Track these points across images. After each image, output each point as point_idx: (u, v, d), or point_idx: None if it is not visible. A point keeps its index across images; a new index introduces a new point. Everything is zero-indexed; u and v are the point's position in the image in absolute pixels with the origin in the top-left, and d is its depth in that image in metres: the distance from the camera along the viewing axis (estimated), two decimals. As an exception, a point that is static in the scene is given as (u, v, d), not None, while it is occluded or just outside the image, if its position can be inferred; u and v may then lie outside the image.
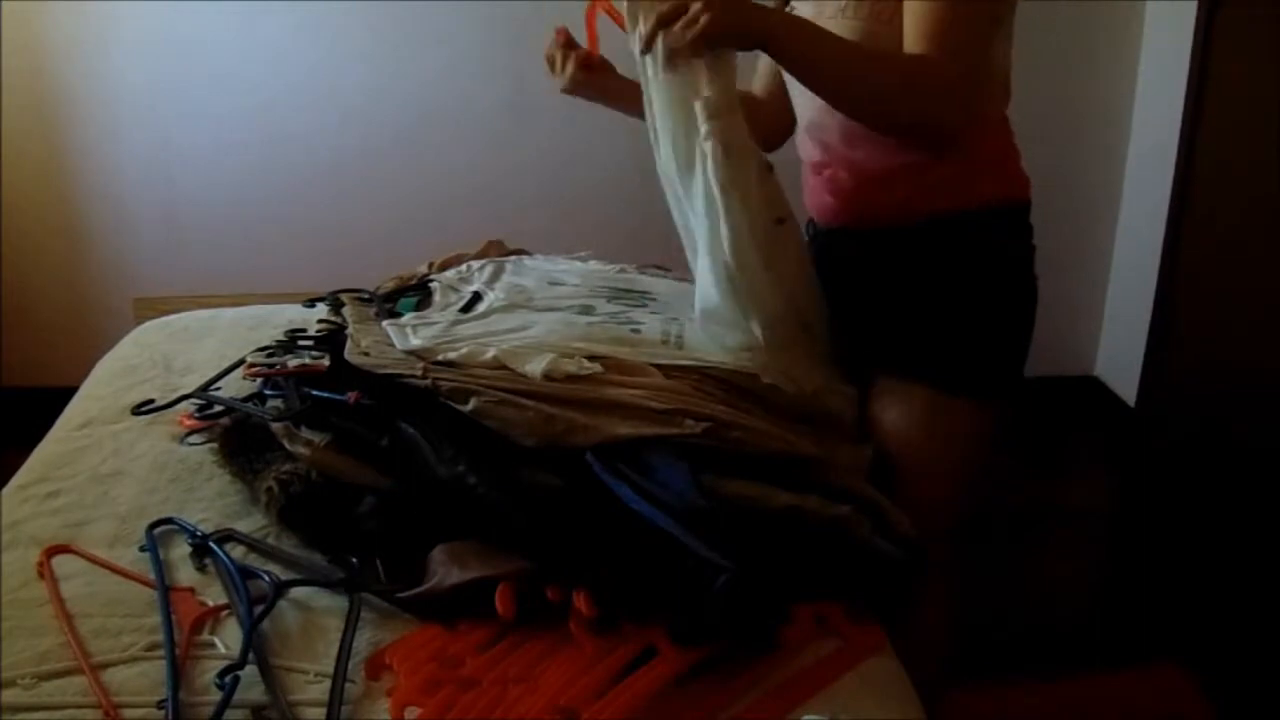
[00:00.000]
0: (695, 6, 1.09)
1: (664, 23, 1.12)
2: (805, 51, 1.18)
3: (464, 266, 1.77)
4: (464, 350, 1.30)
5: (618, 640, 1.01)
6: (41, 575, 1.15)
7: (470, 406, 1.18)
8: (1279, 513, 2.26)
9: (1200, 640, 2.06)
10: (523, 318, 1.48)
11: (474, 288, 1.64)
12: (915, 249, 1.34)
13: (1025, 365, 1.39)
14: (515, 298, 1.58)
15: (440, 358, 1.30)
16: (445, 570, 1.08)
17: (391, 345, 1.38)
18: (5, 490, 1.35)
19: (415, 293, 1.66)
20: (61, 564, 1.17)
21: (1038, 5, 2.68)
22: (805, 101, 1.37)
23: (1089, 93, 2.79)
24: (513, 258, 1.83)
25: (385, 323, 1.46)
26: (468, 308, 1.55)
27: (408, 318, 1.50)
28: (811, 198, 1.46)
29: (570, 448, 1.14)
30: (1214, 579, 2.26)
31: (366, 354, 1.35)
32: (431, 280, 1.69)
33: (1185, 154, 2.57)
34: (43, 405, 1.66)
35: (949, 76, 1.17)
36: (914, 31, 1.18)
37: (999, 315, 1.35)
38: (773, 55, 1.19)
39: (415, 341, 1.36)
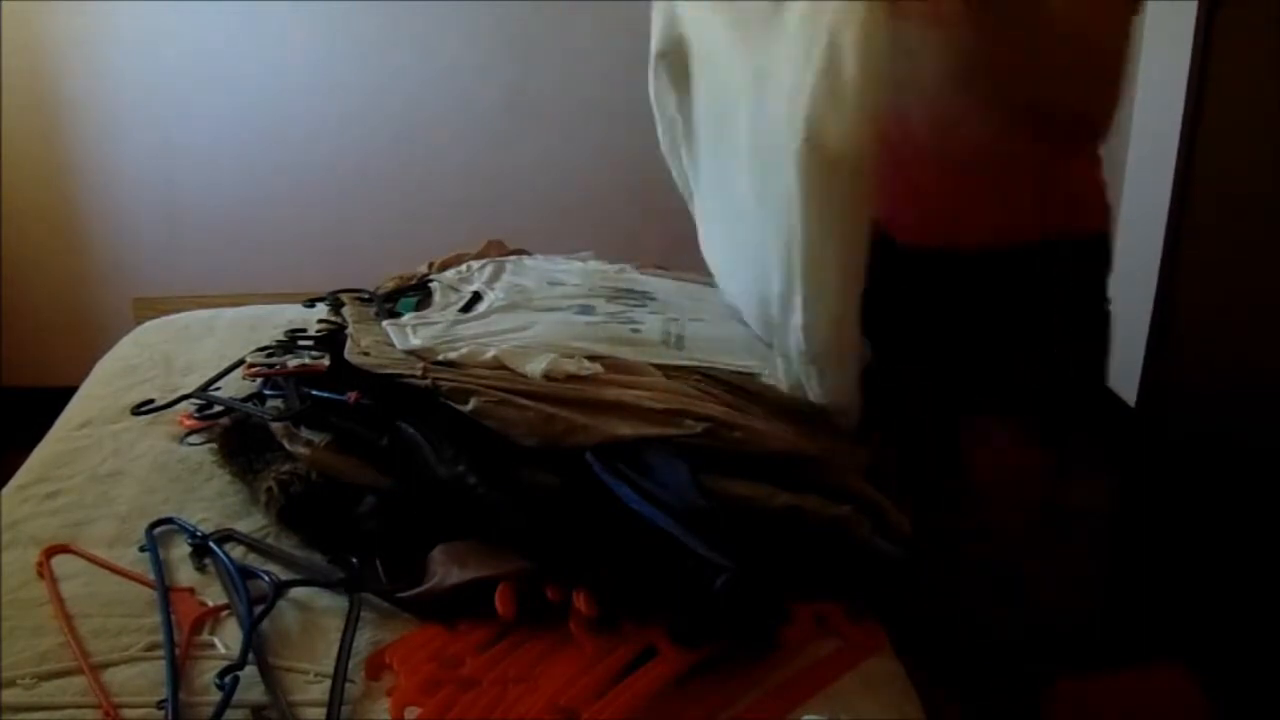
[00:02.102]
0: None
1: None
2: None
3: (464, 266, 1.77)
4: (464, 350, 1.30)
5: (618, 640, 1.01)
6: (41, 575, 1.15)
7: (470, 406, 1.18)
8: (1279, 513, 2.26)
9: (1200, 640, 2.06)
10: (523, 318, 1.48)
11: (474, 287, 1.64)
12: (991, 278, 1.28)
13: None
14: (515, 298, 1.58)
15: (440, 358, 1.30)
16: (445, 570, 1.08)
17: (391, 345, 1.38)
18: (5, 490, 1.35)
19: (415, 293, 1.67)
20: (61, 564, 1.17)
21: None
22: None
23: (1089, 93, 2.79)
24: (512, 258, 1.84)
25: (385, 323, 1.46)
26: (468, 308, 1.55)
27: (408, 318, 1.50)
28: (888, 202, 1.28)
29: (570, 448, 1.14)
30: (1214, 579, 2.26)
31: (366, 354, 1.35)
32: (431, 280, 1.69)
33: (1185, 154, 2.57)
34: (43, 405, 1.66)
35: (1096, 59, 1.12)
36: None
37: (1073, 348, 1.31)
38: None
39: (415, 341, 1.36)
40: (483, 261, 1.77)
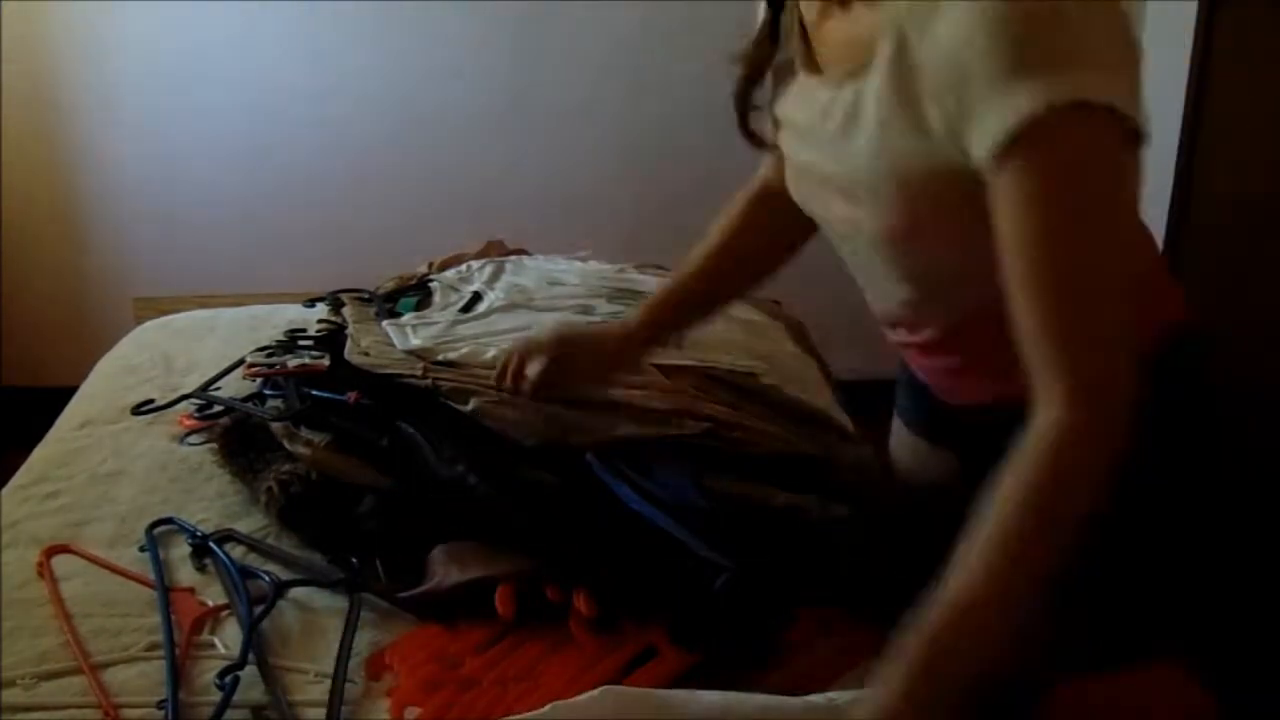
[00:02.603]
0: None
1: None
2: (1006, 608, 0.85)
3: (464, 266, 1.77)
4: (464, 350, 1.30)
5: (618, 640, 1.01)
6: (41, 575, 1.15)
7: (470, 406, 1.18)
8: (1279, 513, 2.26)
9: (1200, 640, 2.06)
10: (523, 318, 1.49)
11: (474, 287, 1.64)
12: None
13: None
14: (515, 297, 1.58)
15: (440, 357, 1.30)
16: (445, 570, 1.08)
17: (392, 345, 1.38)
18: (5, 490, 1.35)
19: (415, 292, 1.67)
20: (61, 564, 1.17)
21: None
22: (879, 294, 1.01)
23: (1089, 93, 2.78)
24: (512, 258, 1.84)
25: (385, 323, 1.46)
26: (468, 307, 1.55)
27: (407, 318, 1.50)
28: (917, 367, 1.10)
29: (571, 448, 1.14)
30: (1214, 579, 2.25)
31: (366, 354, 1.36)
32: (431, 280, 1.69)
33: (1185, 154, 2.57)
34: (43, 405, 1.66)
35: (1112, 407, 0.81)
36: (1032, 326, 0.78)
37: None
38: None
39: (415, 341, 1.36)
40: (482, 261, 1.77)
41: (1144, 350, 0.83)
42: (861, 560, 1.12)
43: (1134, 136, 0.76)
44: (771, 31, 0.97)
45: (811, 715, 0.89)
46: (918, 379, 1.10)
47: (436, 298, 1.61)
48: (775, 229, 1.14)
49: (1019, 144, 0.73)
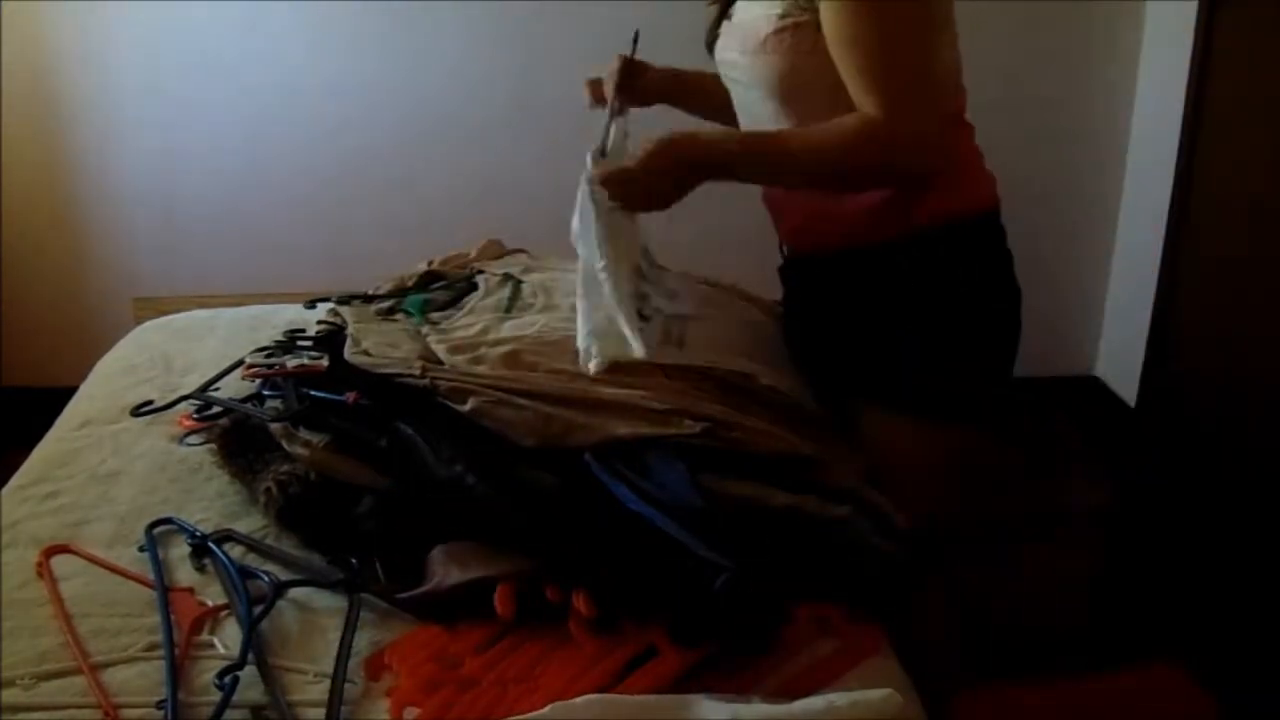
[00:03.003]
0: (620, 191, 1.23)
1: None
2: (750, 176, 1.27)
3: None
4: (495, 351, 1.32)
5: (618, 640, 1.01)
6: (41, 575, 1.15)
7: (468, 406, 1.18)
8: (1279, 513, 2.26)
9: (1200, 640, 2.06)
10: (528, 317, 1.49)
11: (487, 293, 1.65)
12: (879, 270, 1.29)
13: (1013, 369, 1.35)
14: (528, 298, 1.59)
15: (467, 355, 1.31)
16: (445, 571, 1.08)
17: (392, 345, 1.38)
18: (5, 490, 1.35)
19: (416, 292, 1.67)
20: (61, 564, 1.17)
21: (1038, 5, 2.68)
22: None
23: (1089, 93, 2.78)
24: (512, 257, 1.84)
25: (425, 330, 1.46)
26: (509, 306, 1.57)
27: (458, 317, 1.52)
28: (773, 220, 1.44)
29: (569, 448, 1.14)
30: (1213, 579, 2.26)
31: (367, 353, 1.36)
32: (440, 277, 1.71)
33: (1185, 154, 2.57)
34: (43, 405, 1.66)
35: (900, 132, 1.13)
36: (854, 84, 1.14)
37: (977, 331, 1.30)
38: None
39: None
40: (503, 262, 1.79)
41: (961, 217, 1.26)
42: (861, 560, 1.12)
43: None
44: None
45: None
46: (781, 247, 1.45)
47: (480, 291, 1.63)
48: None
49: None
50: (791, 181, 1.28)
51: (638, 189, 1.22)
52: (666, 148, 1.19)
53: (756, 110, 1.29)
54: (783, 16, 1.18)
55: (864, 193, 1.25)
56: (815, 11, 1.15)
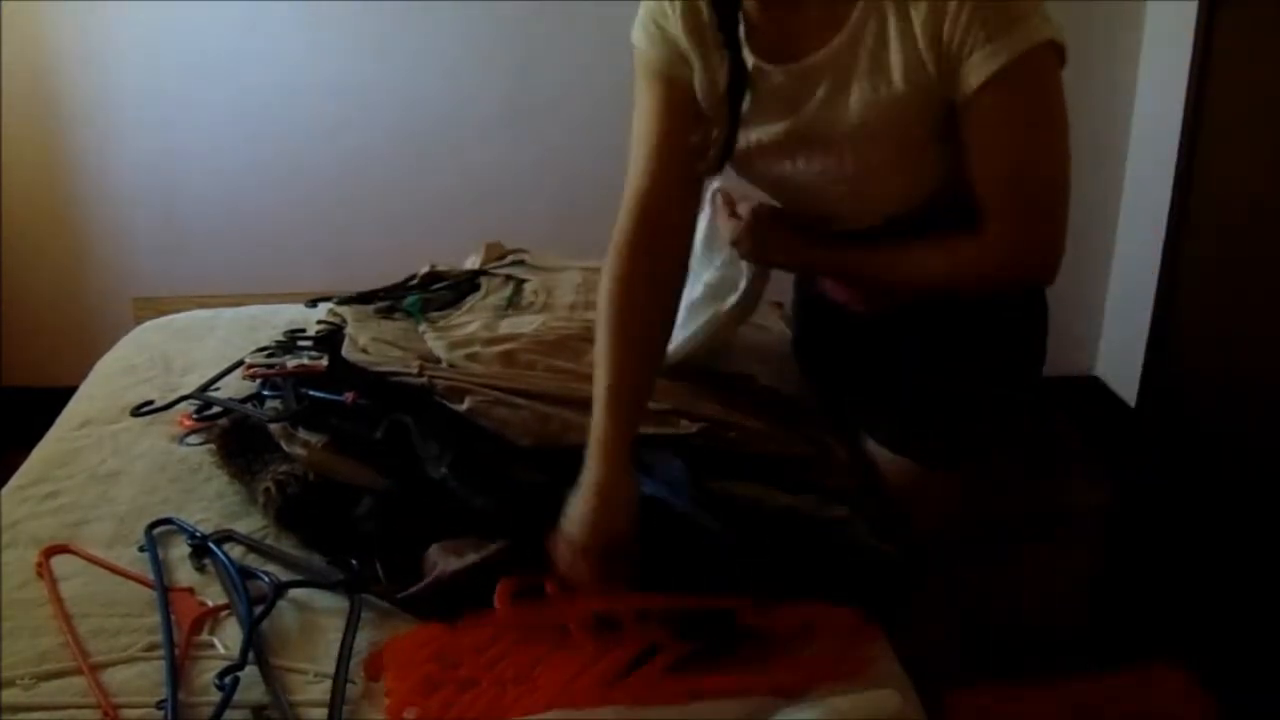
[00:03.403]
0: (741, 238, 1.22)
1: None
2: (834, 262, 1.20)
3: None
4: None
5: (617, 640, 1.01)
6: (41, 575, 1.15)
7: (465, 406, 1.18)
8: (1279, 513, 2.26)
9: (1200, 640, 2.06)
10: (527, 317, 1.49)
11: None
12: (927, 326, 1.23)
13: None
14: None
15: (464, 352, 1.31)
16: (445, 562, 1.08)
17: (389, 344, 1.39)
18: (5, 490, 1.35)
19: (417, 292, 1.67)
20: (60, 564, 1.17)
21: (1038, 5, 2.68)
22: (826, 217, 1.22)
23: (1089, 93, 2.78)
24: (515, 256, 1.84)
25: (422, 328, 1.46)
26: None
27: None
28: (824, 284, 1.34)
29: (566, 447, 1.14)
30: (1213, 579, 2.26)
31: (365, 351, 1.36)
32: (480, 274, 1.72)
33: (1185, 154, 2.57)
34: (43, 405, 1.66)
35: (1034, 251, 1.08)
36: (990, 183, 1.04)
37: (1002, 392, 1.27)
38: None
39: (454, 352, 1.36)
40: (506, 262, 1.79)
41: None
42: (860, 560, 1.12)
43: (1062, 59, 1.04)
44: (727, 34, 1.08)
45: None
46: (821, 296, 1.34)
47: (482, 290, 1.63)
48: (657, 275, 1.17)
49: (1005, 75, 0.98)
50: (900, 285, 1.18)
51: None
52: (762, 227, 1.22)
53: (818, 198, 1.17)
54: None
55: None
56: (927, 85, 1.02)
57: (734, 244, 1.25)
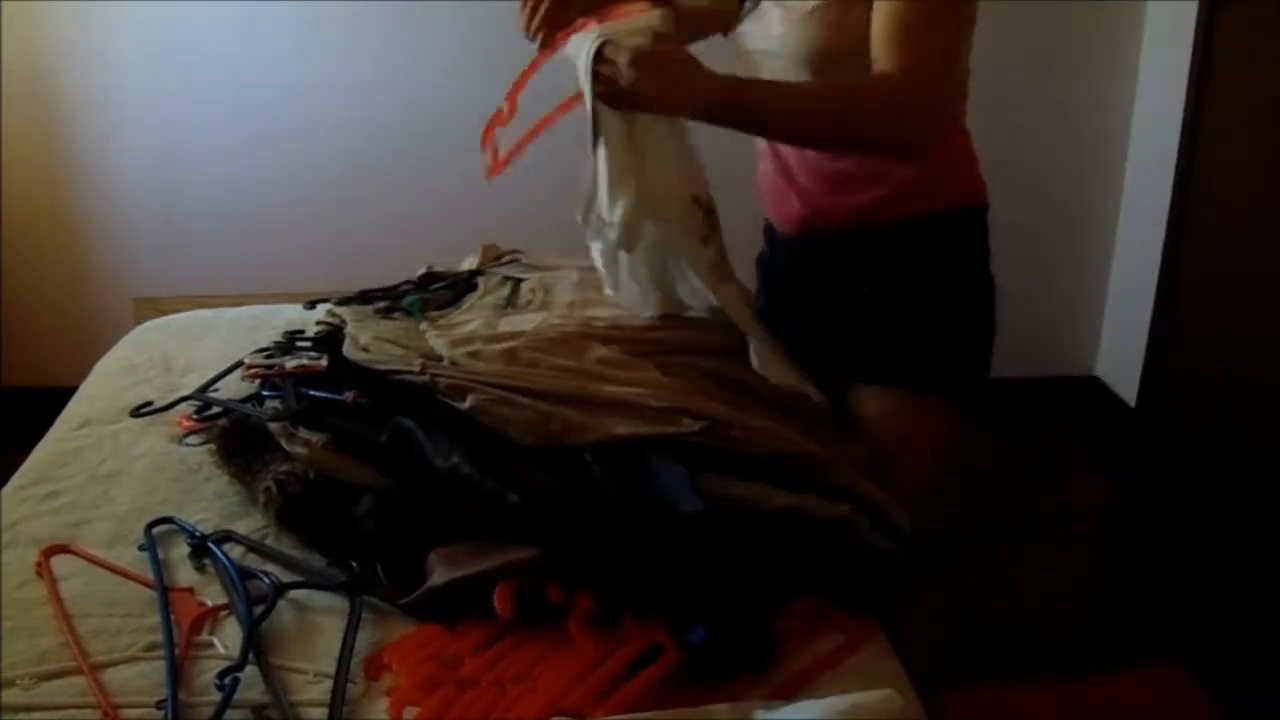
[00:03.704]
0: (627, 80, 1.14)
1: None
2: (751, 118, 1.21)
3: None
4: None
5: (618, 640, 1.01)
6: (41, 575, 1.14)
7: (467, 404, 1.17)
8: (1279, 513, 2.26)
9: (1200, 640, 2.06)
10: (525, 315, 1.50)
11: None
12: (875, 254, 1.36)
13: (991, 364, 1.41)
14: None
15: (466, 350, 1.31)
16: (439, 571, 1.08)
17: (390, 342, 1.38)
18: (5, 490, 1.35)
19: (416, 292, 1.67)
20: (60, 564, 1.17)
21: (1038, 5, 2.68)
22: None
23: (1089, 93, 2.78)
24: (510, 256, 1.84)
25: (423, 327, 1.46)
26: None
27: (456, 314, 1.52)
28: (771, 204, 1.47)
29: (568, 447, 1.14)
30: (1214, 579, 2.26)
31: (365, 350, 1.36)
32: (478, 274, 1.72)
33: (1185, 154, 2.57)
34: (43, 405, 1.66)
35: (914, 98, 1.17)
36: (883, 36, 1.17)
37: (961, 316, 1.37)
38: (716, 123, 1.19)
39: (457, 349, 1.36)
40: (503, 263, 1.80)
41: (962, 206, 1.34)
42: (860, 559, 1.12)
43: None
44: None
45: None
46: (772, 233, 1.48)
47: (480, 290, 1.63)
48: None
49: None
50: (793, 127, 1.25)
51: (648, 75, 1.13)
52: (677, 56, 1.16)
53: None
54: None
55: (873, 164, 1.30)
56: None
57: (631, 86, 1.14)
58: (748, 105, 1.18)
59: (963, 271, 1.37)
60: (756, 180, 1.48)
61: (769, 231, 1.51)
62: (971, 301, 1.38)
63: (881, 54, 1.17)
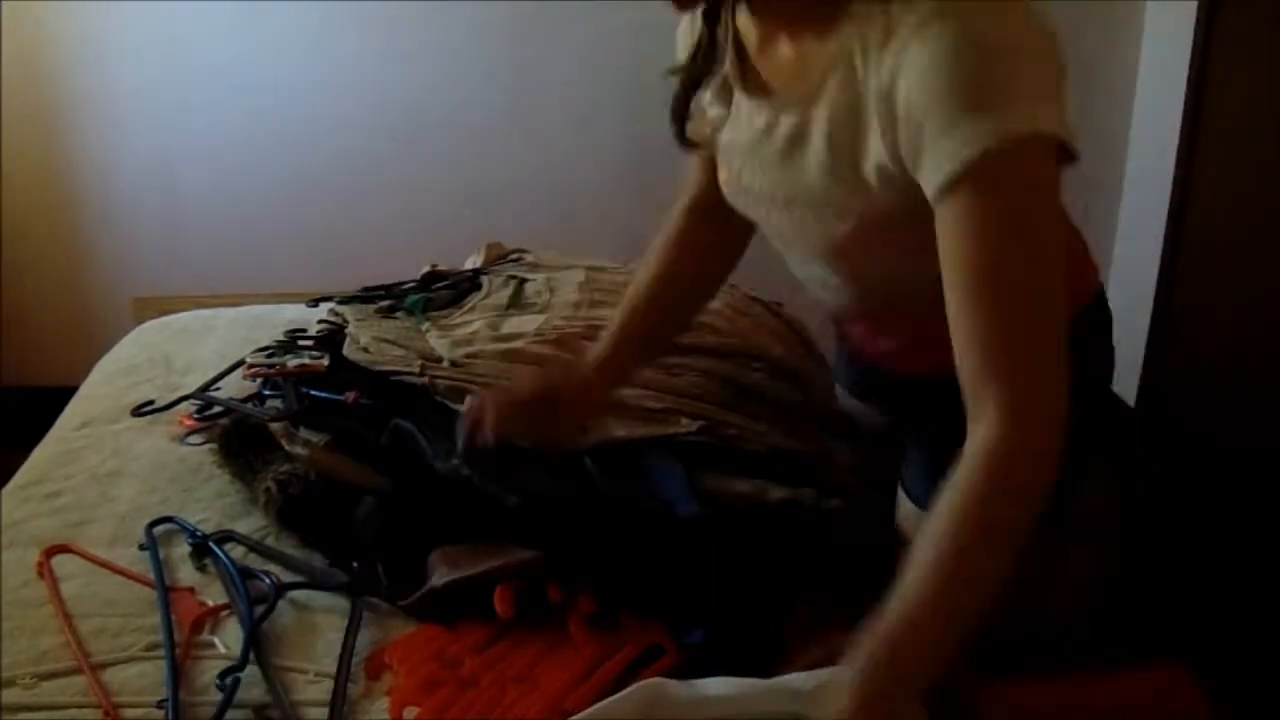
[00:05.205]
0: None
1: None
2: (952, 614, 0.89)
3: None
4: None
5: (618, 641, 1.01)
6: (41, 575, 1.15)
7: (466, 405, 1.18)
8: (1279, 513, 2.26)
9: (1200, 640, 2.06)
10: (527, 315, 1.50)
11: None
12: None
13: None
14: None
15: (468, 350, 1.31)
16: (438, 575, 1.08)
17: (390, 343, 1.39)
18: (5, 490, 1.35)
19: (418, 291, 1.67)
20: (61, 564, 1.17)
21: (1037, 6, 2.68)
22: (829, 289, 1.07)
23: (1089, 93, 2.78)
24: (514, 255, 1.85)
25: (425, 328, 1.46)
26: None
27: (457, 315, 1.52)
28: (862, 343, 1.19)
29: (567, 449, 1.14)
30: (1214, 579, 2.26)
31: (366, 350, 1.36)
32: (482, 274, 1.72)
33: (1185, 154, 2.57)
34: (43, 405, 1.66)
35: (1038, 462, 0.88)
36: (972, 362, 0.83)
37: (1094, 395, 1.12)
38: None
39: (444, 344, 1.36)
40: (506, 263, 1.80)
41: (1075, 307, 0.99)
42: (859, 556, 1.12)
43: (1068, 157, 0.81)
44: (709, 47, 0.98)
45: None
46: (858, 356, 1.18)
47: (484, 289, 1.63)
48: (714, 243, 1.16)
49: (972, 174, 0.77)
50: (980, 591, 0.91)
51: None
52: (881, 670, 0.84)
53: (805, 242, 1.00)
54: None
55: None
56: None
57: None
58: (948, 618, 0.88)
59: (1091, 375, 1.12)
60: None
61: (848, 354, 1.25)
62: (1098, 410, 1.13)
63: (976, 386, 0.83)
